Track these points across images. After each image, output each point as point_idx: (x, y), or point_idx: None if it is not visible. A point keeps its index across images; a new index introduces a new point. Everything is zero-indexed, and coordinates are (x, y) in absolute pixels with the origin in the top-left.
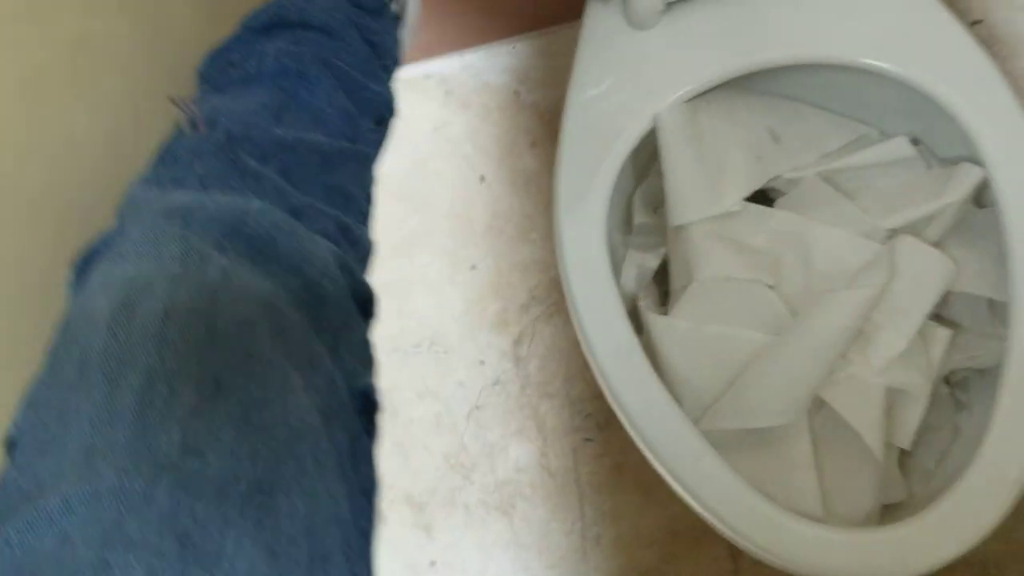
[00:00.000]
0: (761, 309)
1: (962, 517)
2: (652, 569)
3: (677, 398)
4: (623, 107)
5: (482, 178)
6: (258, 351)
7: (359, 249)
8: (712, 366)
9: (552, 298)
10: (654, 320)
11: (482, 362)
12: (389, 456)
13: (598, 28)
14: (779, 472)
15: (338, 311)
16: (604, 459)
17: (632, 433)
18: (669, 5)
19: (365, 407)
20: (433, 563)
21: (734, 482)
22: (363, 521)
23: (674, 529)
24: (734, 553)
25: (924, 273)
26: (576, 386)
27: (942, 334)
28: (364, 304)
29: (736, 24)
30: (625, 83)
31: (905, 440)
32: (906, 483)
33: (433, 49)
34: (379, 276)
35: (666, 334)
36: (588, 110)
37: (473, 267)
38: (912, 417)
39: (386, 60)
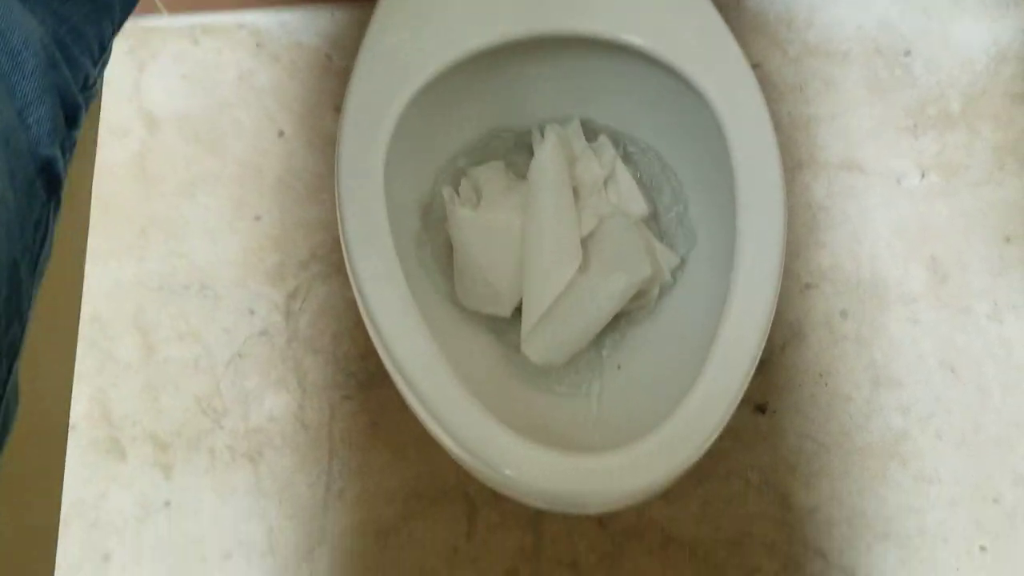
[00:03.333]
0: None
1: (674, 445)
2: (391, 526)
3: (469, 279)
4: (418, 52)
5: (281, 133)
6: None
7: (75, 68)
8: (496, 247)
9: (332, 258)
10: (451, 210)
11: (252, 312)
12: (137, 393)
13: None
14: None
15: (33, 87)
16: (360, 417)
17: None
18: None
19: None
20: (167, 503)
21: (471, 405)
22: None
23: (417, 490)
24: (470, 515)
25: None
26: (343, 344)
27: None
28: (71, 111)
29: None
30: (423, 31)
31: (640, 208)
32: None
33: (251, 1)
34: (156, 211)
35: (460, 223)
36: (384, 53)
37: (257, 218)
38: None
39: None
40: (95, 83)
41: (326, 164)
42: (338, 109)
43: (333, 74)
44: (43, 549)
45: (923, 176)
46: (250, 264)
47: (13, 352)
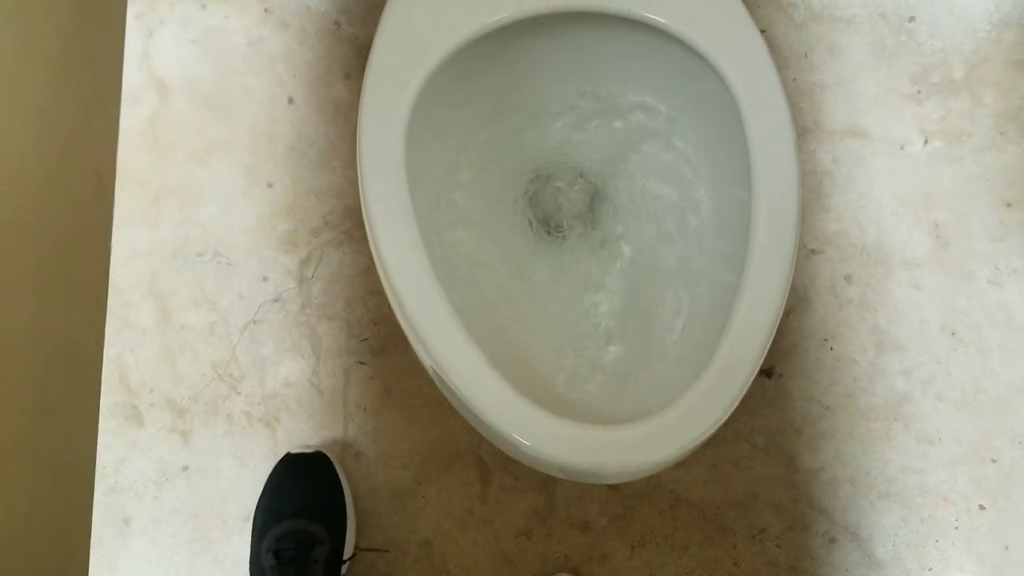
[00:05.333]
0: None
1: (690, 419)
2: (406, 489)
3: None
4: (440, 23)
5: (291, 100)
6: None
7: None
8: None
9: (345, 225)
10: None
11: (265, 278)
12: (155, 360)
13: None
14: None
15: None
16: (374, 382)
17: (407, 328)
18: None
19: None
20: (186, 468)
21: (497, 382)
22: None
23: (431, 453)
24: (483, 478)
25: None
26: (356, 311)
27: None
28: None
29: None
30: (443, 3)
31: None
32: None
33: None
34: (171, 178)
35: None
36: (406, 23)
37: (270, 185)
38: None
39: None
40: None
41: (336, 131)
42: (348, 76)
43: (342, 41)
44: (80, 519)
45: (926, 142)
46: (263, 231)
47: None
